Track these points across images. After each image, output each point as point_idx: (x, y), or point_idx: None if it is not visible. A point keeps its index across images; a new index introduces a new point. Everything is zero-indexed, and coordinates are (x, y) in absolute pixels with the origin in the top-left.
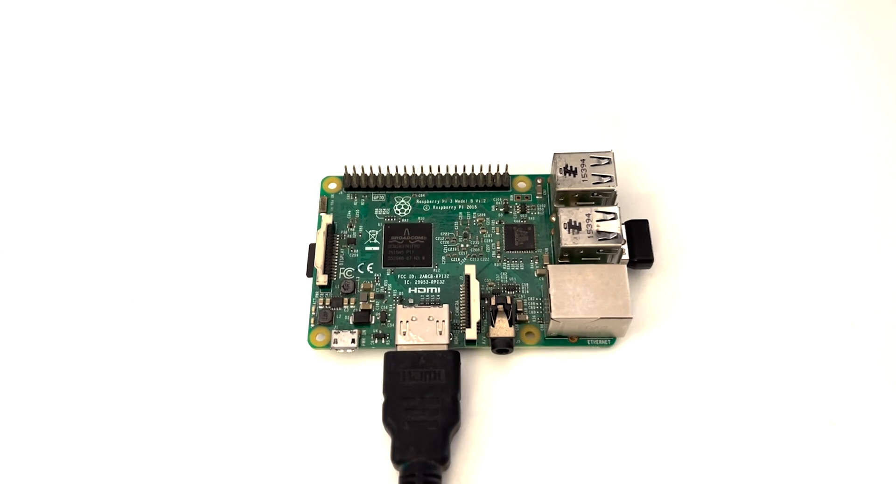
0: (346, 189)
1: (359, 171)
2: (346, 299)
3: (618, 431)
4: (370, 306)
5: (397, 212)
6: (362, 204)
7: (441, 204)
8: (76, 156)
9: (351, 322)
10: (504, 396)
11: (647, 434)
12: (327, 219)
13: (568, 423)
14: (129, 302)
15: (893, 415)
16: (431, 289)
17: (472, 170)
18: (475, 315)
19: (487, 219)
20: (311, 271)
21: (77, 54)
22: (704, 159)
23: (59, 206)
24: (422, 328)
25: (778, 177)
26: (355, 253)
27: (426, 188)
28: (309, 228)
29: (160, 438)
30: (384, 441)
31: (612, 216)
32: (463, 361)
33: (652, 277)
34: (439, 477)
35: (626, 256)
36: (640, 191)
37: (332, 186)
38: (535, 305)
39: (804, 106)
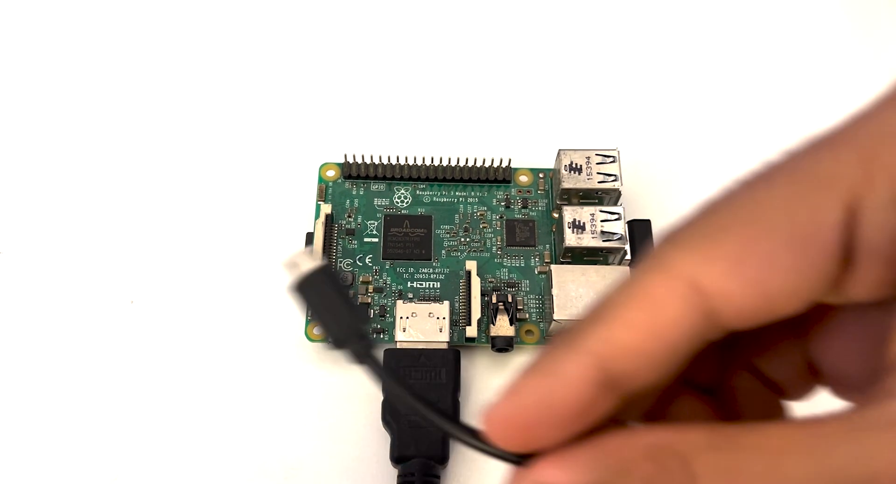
0: (345, 177)
1: (358, 159)
2: None
3: None
4: (369, 300)
5: (397, 202)
6: (361, 193)
7: (441, 195)
8: (75, 147)
9: None
10: None
11: None
12: (326, 208)
13: None
14: (127, 298)
15: None
16: (431, 283)
17: (475, 162)
18: (475, 312)
19: (488, 213)
20: None
21: (74, 46)
22: (707, 159)
23: (62, 200)
24: (422, 325)
25: None
26: (354, 244)
27: (427, 179)
28: (305, 215)
29: (154, 430)
30: (383, 439)
31: (616, 216)
32: (462, 358)
33: None
34: (438, 476)
35: (628, 257)
36: (642, 189)
37: (331, 174)
38: (535, 303)
39: (813, 108)
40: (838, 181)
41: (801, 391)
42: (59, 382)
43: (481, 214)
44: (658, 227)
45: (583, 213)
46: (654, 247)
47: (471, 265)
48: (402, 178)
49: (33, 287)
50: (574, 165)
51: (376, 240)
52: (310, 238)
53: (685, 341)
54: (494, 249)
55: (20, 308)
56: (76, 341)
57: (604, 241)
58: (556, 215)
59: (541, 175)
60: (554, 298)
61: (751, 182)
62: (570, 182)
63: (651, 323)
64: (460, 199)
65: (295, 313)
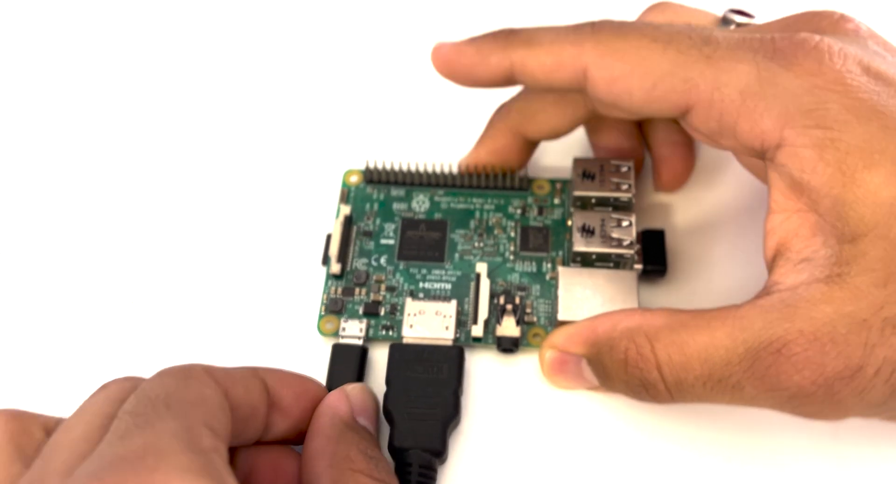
0: (367, 182)
1: (379, 166)
2: (357, 289)
3: (618, 435)
4: (380, 298)
5: (415, 207)
6: (381, 198)
7: (459, 202)
8: (104, 148)
9: (360, 312)
10: (505, 395)
11: (647, 438)
12: (345, 210)
13: (568, 425)
14: (147, 291)
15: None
16: (442, 285)
17: (492, 170)
18: (483, 313)
19: (504, 219)
20: (325, 260)
21: (106, 53)
22: (720, 168)
23: (80, 199)
24: (428, 322)
25: None
26: (370, 245)
27: (445, 185)
28: (329, 219)
29: None
30: (383, 430)
31: (627, 223)
32: (467, 358)
33: (665, 288)
34: (434, 470)
35: (639, 265)
36: (660, 201)
37: (354, 179)
38: (545, 308)
39: None
40: (693, 88)
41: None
42: (65, 381)
43: (496, 221)
44: (672, 238)
45: (593, 217)
46: (587, 28)
47: (481, 267)
48: (421, 185)
49: (45, 286)
50: (588, 173)
51: (392, 242)
52: (329, 238)
53: (564, 83)
54: (507, 253)
55: (29, 305)
56: (92, 339)
57: (612, 246)
58: (570, 223)
59: (558, 185)
60: (559, 298)
61: (659, 40)
62: (582, 189)
63: (551, 67)
64: (477, 205)
65: (309, 309)
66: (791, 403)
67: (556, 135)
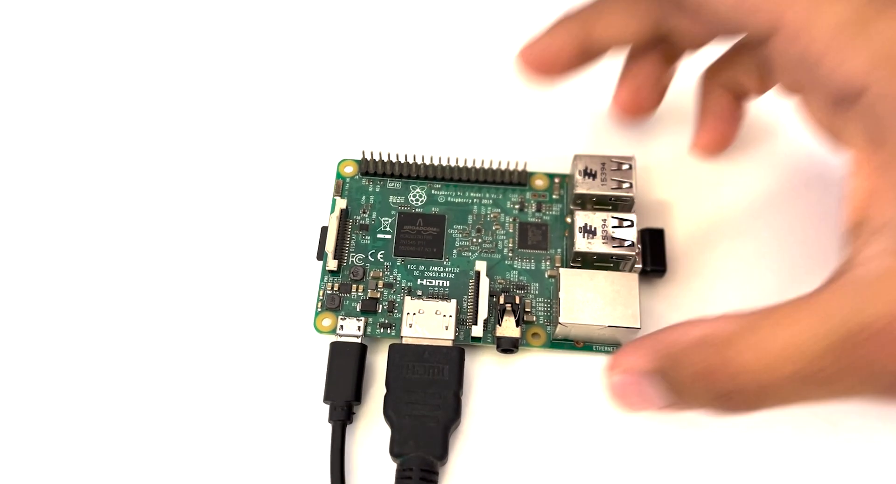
0: (363, 174)
1: (376, 157)
2: (354, 286)
3: (618, 436)
4: (378, 295)
5: (412, 201)
6: (377, 190)
7: (456, 196)
8: (94, 140)
9: (358, 309)
10: (506, 395)
11: (647, 440)
12: (341, 203)
13: (568, 426)
14: (143, 285)
15: (892, 418)
16: (440, 282)
17: (490, 164)
18: (482, 312)
19: (502, 215)
20: (321, 254)
21: (90, 43)
22: (723, 168)
23: (70, 191)
24: (428, 322)
25: (798, 188)
26: (367, 239)
27: (442, 179)
28: (323, 211)
29: (160, 421)
30: (384, 433)
31: (628, 223)
32: (467, 357)
33: (665, 287)
34: (436, 473)
35: (639, 265)
36: (658, 198)
37: (349, 170)
38: (544, 306)
39: None
40: (788, 8)
41: (758, 91)
42: (61, 379)
43: (495, 216)
44: (671, 237)
45: (595, 218)
46: None
47: (480, 266)
48: (418, 177)
49: (37, 282)
50: (589, 171)
51: (389, 236)
52: (324, 231)
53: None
54: (506, 251)
55: (44, 302)
56: (84, 334)
57: (614, 247)
58: (569, 220)
59: (556, 180)
60: (561, 301)
61: None
62: (583, 187)
63: None
64: (475, 200)
65: (305, 305)
66: (893, 388)
67: (619, 40)
